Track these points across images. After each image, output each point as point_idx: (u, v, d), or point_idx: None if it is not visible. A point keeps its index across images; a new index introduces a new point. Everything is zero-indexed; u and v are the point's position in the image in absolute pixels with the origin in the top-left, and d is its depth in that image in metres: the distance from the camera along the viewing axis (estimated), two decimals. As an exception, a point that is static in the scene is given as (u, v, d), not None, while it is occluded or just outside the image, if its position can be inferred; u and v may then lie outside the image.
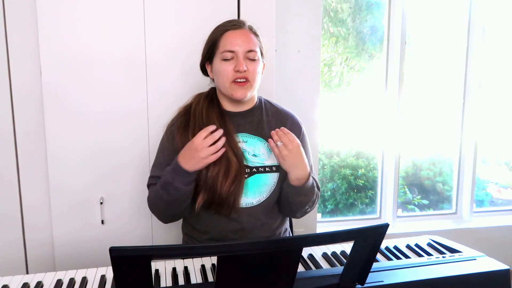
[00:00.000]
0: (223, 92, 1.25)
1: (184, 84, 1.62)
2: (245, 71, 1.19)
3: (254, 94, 1.28)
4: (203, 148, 1.13)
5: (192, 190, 1.20)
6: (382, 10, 2.43)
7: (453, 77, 2.58)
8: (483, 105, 2.57)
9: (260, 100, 1.34)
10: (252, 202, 1.24)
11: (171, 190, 1.18)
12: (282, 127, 1.21)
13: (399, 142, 2.47)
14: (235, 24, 1.24)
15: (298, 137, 1.29)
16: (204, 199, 1.20)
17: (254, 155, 1.25)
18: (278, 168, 1.26)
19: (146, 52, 1.58)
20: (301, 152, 1.19)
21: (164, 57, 1.60)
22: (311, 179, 1.24)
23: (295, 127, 1.32)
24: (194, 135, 1.21)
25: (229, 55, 1.20)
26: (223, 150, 1.16)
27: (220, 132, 1.15)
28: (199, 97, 1.31)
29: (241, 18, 1.59)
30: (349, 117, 2.53)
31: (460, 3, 2.51)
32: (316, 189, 1.28)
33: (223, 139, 1.16)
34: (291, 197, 1.24)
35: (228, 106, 1.29)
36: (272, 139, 1.19)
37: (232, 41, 1.20)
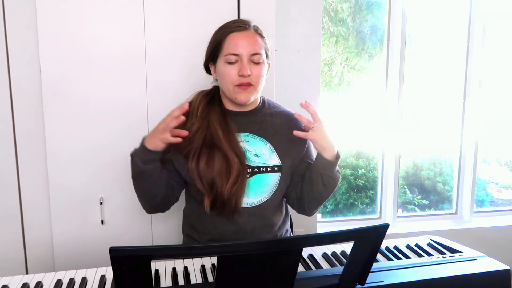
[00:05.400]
0: (227, 95, 1.23)
1: (184, 82, 1.62)
2: (249, 75, 1.17)
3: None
4: (165, 124, 1.11)
5: (155, 175, 1.18)
6: (382, 10, 2.43)
7: (454, 76, 2.58)
8: (483, 105, 2.56)
9: (263, 100, 1.33)
10: (254, 202, 1.23)
11: (132, 164, 1.18)
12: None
13: (400, 142, 2.47)
14: (239, 26, 1.20)
15: (303, 140, 1.29)
16: (209, 200, 1.19)
17: (256, 155, 1.24)
18: (280, 168, 1.25)
19: (146, 51, 1.58)
20: (326, 131, 1.20)
21: (163, 56, 1.60)
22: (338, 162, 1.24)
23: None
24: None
25: (233, 58, 1.17)
26: (185, 133, 1.12)
27: (183, 118, 1.12)
28: (199, 95, 1.30)
29: (242, 17, 1.59)
30: (349, 117, 2.53)
31: (461, 2, 2.51)
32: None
33: (183, 118, 1.12)
34: (320, 175, 1.22)
35: (230, 106, 1.28)
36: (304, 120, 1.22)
37: (236, 44, 1.17)
